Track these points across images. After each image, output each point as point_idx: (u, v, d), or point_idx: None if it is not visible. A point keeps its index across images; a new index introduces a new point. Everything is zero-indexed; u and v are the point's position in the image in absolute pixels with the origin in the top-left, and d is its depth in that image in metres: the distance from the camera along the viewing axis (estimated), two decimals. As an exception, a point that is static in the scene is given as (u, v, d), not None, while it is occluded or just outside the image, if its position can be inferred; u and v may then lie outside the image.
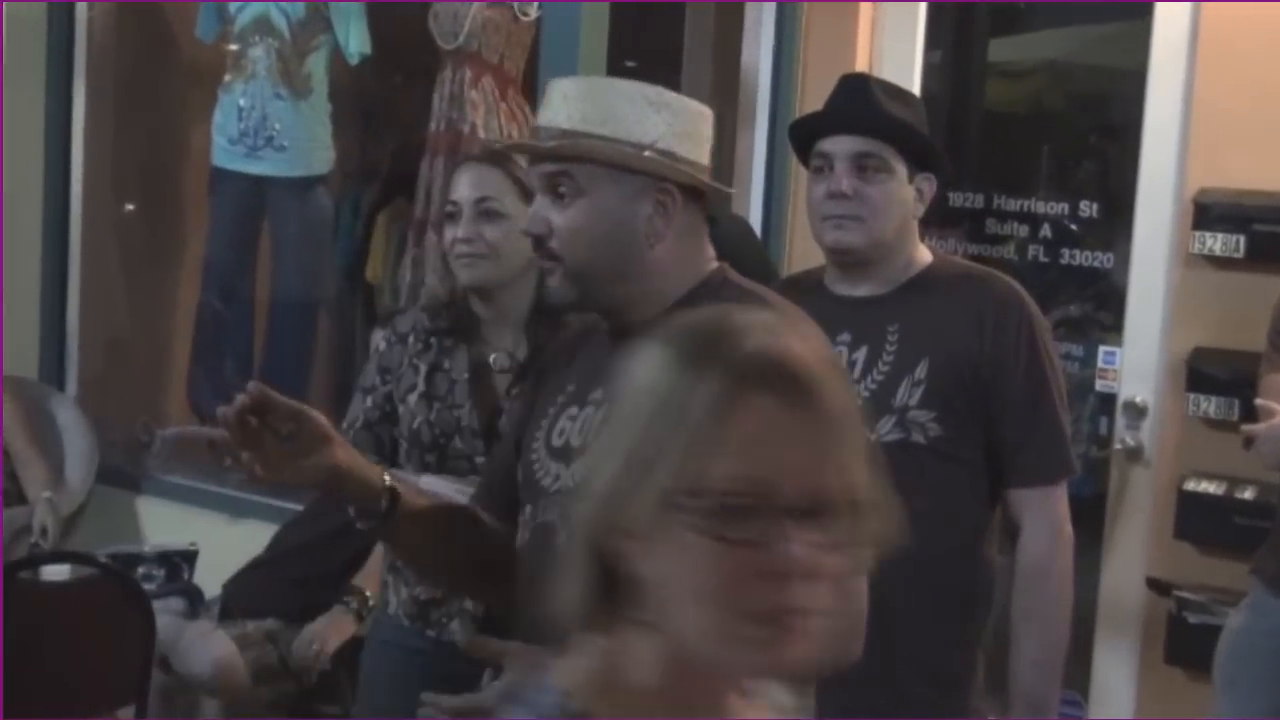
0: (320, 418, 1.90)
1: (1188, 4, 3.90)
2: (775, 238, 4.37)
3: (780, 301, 2.03)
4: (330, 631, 3.62)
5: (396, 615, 2.83)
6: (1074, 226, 4.31)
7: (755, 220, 4.33)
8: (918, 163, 2.67)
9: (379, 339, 2.91)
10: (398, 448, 2.81)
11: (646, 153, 1.96)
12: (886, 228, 2.63)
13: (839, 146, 2.63)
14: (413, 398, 2.79)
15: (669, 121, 1.97)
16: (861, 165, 2.63)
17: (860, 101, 2.65)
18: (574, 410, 2.05)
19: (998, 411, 2.60)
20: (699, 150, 2.03)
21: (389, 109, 5.73)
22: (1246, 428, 3.08)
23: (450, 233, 2.75)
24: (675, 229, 2.01)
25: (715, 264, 2.09)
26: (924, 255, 2.73)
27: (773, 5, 4.50)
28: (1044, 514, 2.61)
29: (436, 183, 4.42)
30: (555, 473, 2.03)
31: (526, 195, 2.73)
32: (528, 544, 2.06)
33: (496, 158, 2.79)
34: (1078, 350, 4.31)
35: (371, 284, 5.60)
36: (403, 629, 2.82)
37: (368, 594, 3.54)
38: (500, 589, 2.10)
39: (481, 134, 4.53)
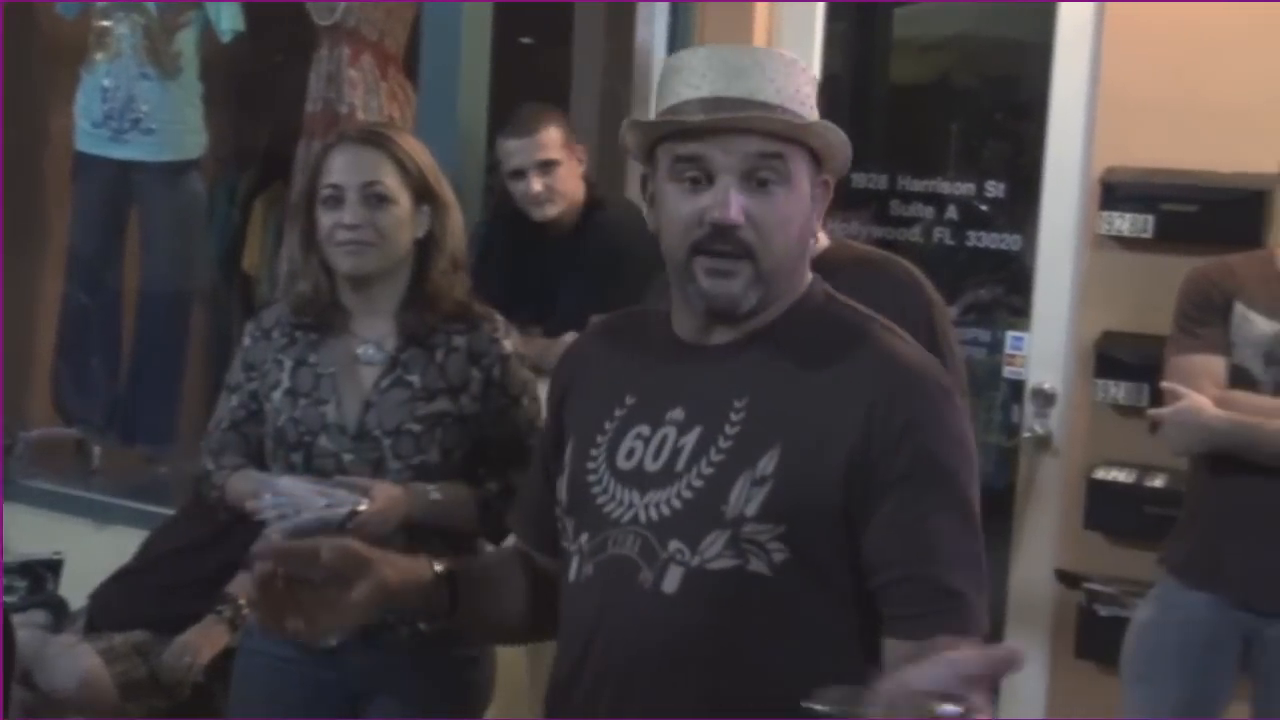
0: (350, 544, 1.84)
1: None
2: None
3: (887, 324, 1.92)
4: (202, 642, 3.58)
5: (268, 624, 2.80)
6: (984, 207, 4.36)
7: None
8: None
9: (245, 334, 2.88)
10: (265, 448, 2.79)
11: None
12: None
13: None
14: (277, 394, 2.76)
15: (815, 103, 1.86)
16: None
17: None
18: (643, 429, 1.88)
19: (896, 402, 2.62)
20: None
21: (265, 89, 5.66)
22: (1153, 412, 3.15)
23: (331, 218, 2.70)
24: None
25: (810, 274, 1.95)
26: (820, 241, 2.73)
27: (667, -22, 4.52)
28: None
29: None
30: (627, 501, 1.86)
31: (409, 178, 2.73)
32: (593, 579, 1.89)
33: (377, 138, 2.76)
34: (985, 335, 4.37)
35: (249, 274, 5.55)
36: (274, 638, 2.78)
37: (241, 601, 3.50)
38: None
39: (361, 115, 4.52)
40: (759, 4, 4.40)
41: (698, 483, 1.81)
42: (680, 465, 1.83)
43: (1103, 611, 3.83)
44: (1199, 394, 3.06)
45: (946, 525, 1.78)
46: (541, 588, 2.04)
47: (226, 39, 4.92)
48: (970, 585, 1.79)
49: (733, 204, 1.79)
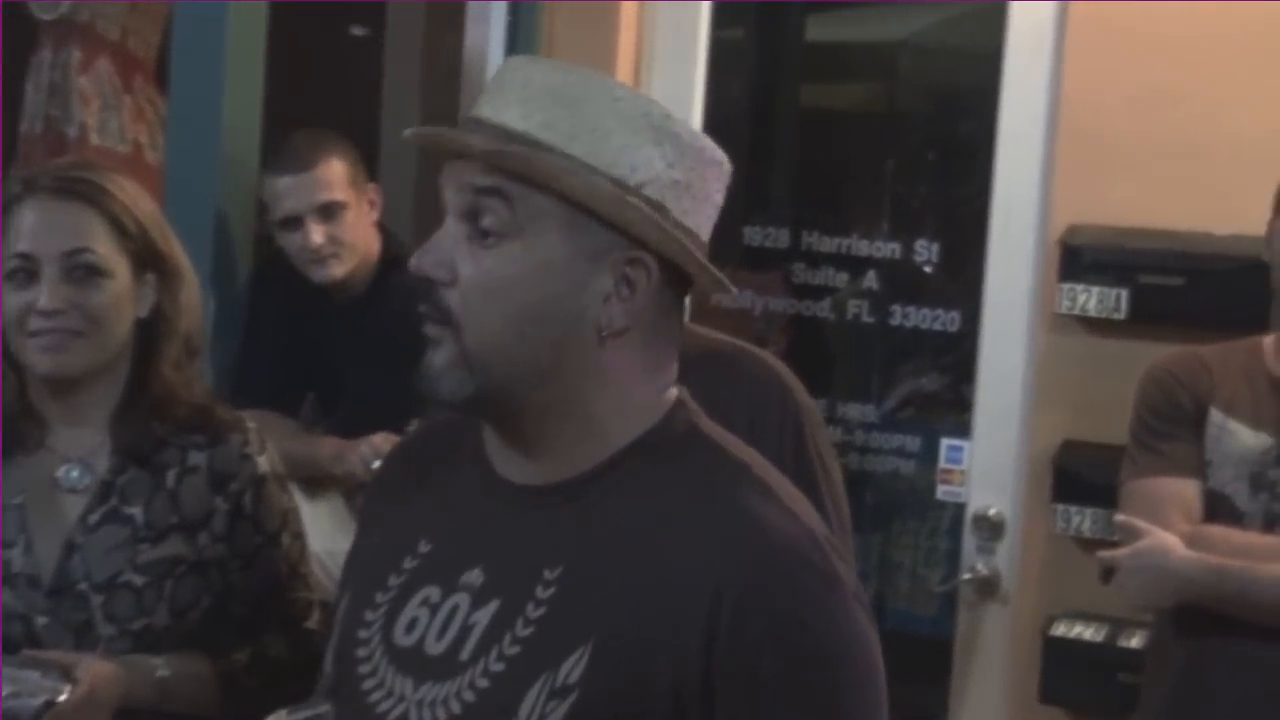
0: None
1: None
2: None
3: (762, 463, 1.91)
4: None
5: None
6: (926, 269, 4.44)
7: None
8: None
9: None
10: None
11: (630, 197, 1.78)
12: None
13: None
14: None
15: (670, 160, 1.81)
16: None
17: None
18: (432, 592, 1.88)
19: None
20: (699, 214, 1.85)
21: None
22: (1106, 554, 3.16)
23: (21, 300, 2.64)
24: (642, 324, 1.82)
25: (674, 392, 1.92)
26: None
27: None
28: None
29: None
30: (398, 692, 1.85)
31: (128, 239, 2.68)
32: None
33: (83, 187, 2.70)
34: (914, 443, 4.45)
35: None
36: None
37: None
38: None
39: (95, 138, 4.52)
40: (626, 3, 4.50)
41: (483, 682, 1.79)
42: (466, 652, 1.81)
43: (1065, 813, 3.90)
44: (1165, 530, 3.11)
45: None
46: None
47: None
48: None
49: (429, 247, 1.83)
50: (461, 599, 1.84)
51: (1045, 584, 4.09)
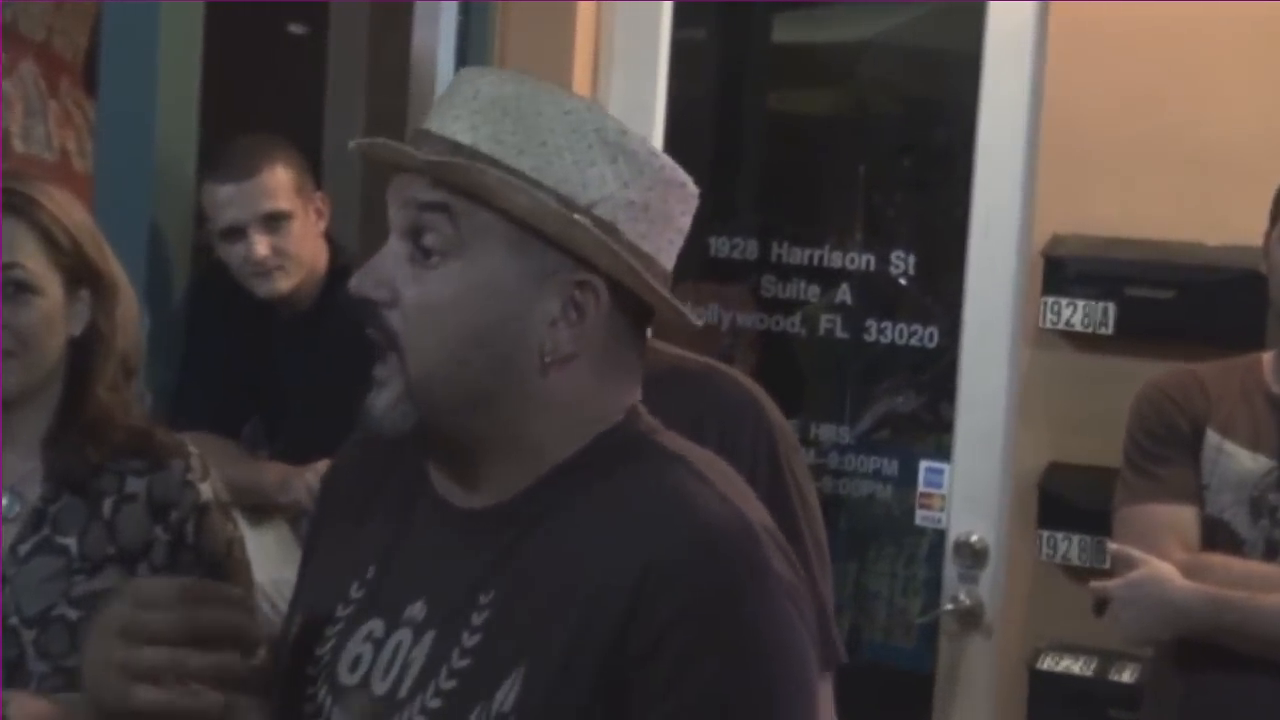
0: None
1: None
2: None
3: (704, 456, 1.91)
4: None
5: None
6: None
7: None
8: None
9: None
10: None
11: (577, 216, 1.77)
12: None
13: None
14: None
15: (625, 179, 1.80)
16: None
17: None
18: (376, 626, 1.89)
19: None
20: (658, 237, 1.84)
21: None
22: (1099, 585, 3.18)
23: None
24: (591, 351, 1.82)
25: (628, 406, 1.91)
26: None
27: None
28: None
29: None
30: None
31: (60, 254, 2.67)
32: None
33: (13, 199, 2.69)
34: (891, 466, 4.44)
35: None
36: None
37: None
38: None
39: (19, 145, 4.49)
40: (583, 2, 4.49)
41: (420, 719, 1.80)
42: (405, 689, 1.82)
43: None
44: (1161, 559, 3.11)
45: None
46: None
47: None
48: None
49: (371, 266, 1.82)
50: (404, 635, 1.86)
51: (1031, 614, 4.07)
